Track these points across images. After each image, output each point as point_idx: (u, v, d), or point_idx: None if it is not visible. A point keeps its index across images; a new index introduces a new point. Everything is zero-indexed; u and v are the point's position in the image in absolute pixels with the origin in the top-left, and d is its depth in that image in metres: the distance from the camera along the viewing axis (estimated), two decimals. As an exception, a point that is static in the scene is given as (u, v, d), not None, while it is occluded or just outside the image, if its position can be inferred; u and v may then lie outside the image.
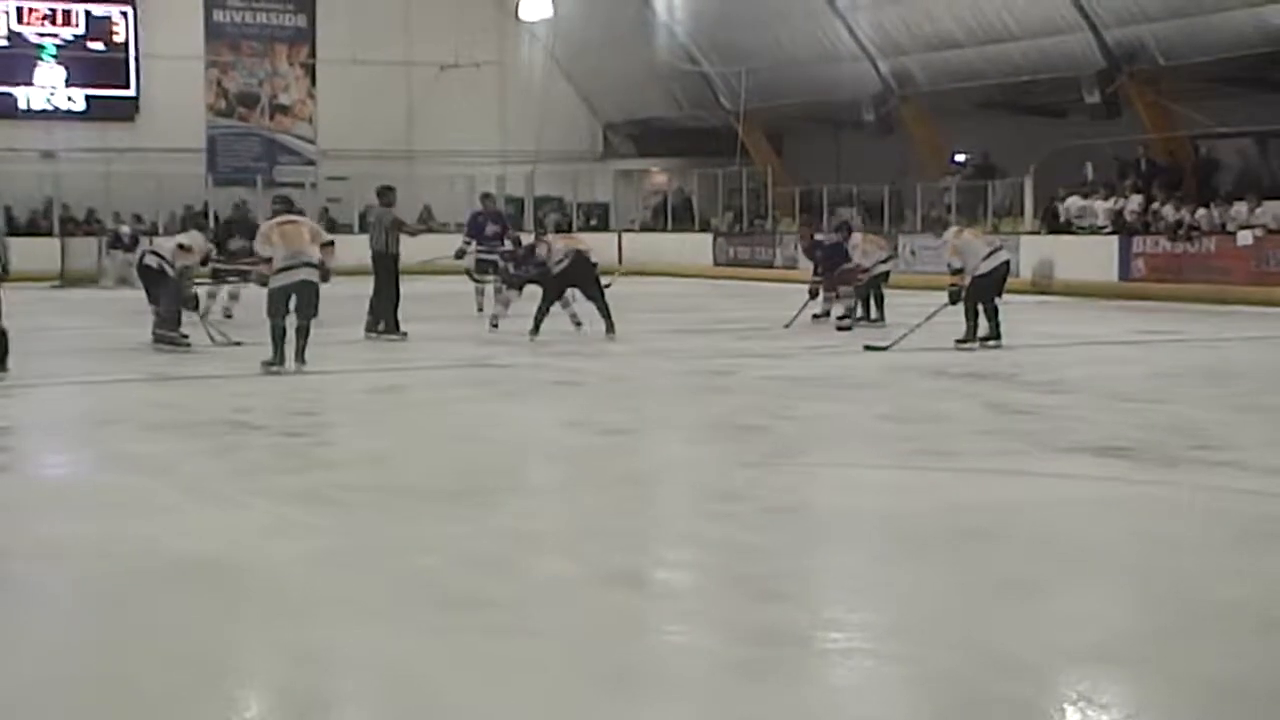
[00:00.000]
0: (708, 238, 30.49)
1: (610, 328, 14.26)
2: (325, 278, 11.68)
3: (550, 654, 4.40)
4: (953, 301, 13.23)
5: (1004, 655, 4.30)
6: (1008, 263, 13.96)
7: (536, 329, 14.01)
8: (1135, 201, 21.94)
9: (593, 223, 32.66)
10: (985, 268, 13.32)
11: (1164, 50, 21.86)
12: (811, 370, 12.07)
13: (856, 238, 16.28)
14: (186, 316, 13.73)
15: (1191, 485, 6.94)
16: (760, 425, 8.91)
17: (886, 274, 16.37)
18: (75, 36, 29.92)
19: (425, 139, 32.31)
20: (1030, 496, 6.77)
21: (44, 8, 29.71)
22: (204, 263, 14.79)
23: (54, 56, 29.77)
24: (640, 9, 29.85)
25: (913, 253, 23.72)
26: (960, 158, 26.72)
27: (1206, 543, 5.83)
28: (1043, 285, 21.43)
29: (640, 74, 31.32)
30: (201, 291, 14.51)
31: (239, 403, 10.06)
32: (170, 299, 13.45)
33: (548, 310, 14.22)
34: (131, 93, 30.48)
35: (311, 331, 11.65)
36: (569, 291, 14.70)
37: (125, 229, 25.47)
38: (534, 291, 14.63)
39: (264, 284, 11.76)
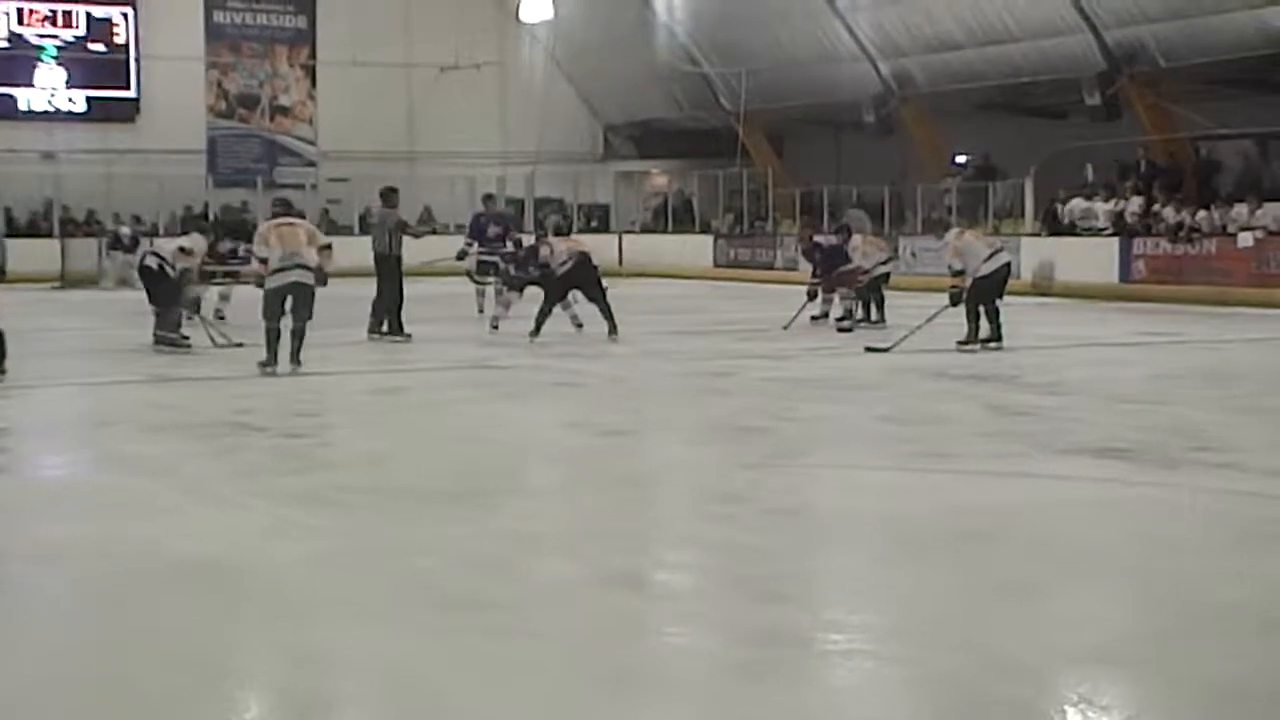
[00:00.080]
0: (708, 239, 30.49)
1: (613, 329, 14.26)
2: (323, 281, 11.68)
3: (550, 655, 4.40)
4: (954, 303, 13.22)
5: (1004, 657, 4.30)
6: (1009, 264, 13.97)
7: (537, 330, 14.01)
8: (1136, 203, 21.94)
9: (593, 224, 32.66)
10: (987, 269, 13.31)
11: (1164, 52, 21.86)
12: (812, 372, 12.07)
13: (856, 239, 16.27)
14: (187, 318, 13.73)
15: (1192, 487, 6.94)
16: (761, 427, 8.91)
17: (887, 276, 16.36)
18: (76, 38, 29.92)
19: (425, 140, 32.32)
20: (1031, 498, 6.76)
21: (45, 9, 29.72)
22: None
23: (54, 58, 29.77)
24: (641, 10, 29.86)
25: (913, 254, 23.72)
26: (961, 159, 26.72)
27: (1207, 544, 5.83)
28: (1043, 287, 21.42)
29: (641, 75, 31.32)
30: (197, 292, 14.48)
31: (239, 404, 10.06)
32: (171, 301, 13.46)
33: (549, 312, 14.22)
34: (132, 94, 30.48)
35: (307, 333, 11.66)
36: (570, 293, 14.72)
37: (125, 230, 25.48)
38: (534, 293, 14.63)
39: (261, 285, 11.76)
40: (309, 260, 11.58)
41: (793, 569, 5.45)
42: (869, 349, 13.17)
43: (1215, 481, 7.00)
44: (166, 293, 13.44)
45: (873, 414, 9.59)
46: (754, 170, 30.26)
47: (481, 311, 16.89)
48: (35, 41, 29.69)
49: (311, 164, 31.06)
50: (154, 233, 25.18)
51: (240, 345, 13.19)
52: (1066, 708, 3.96)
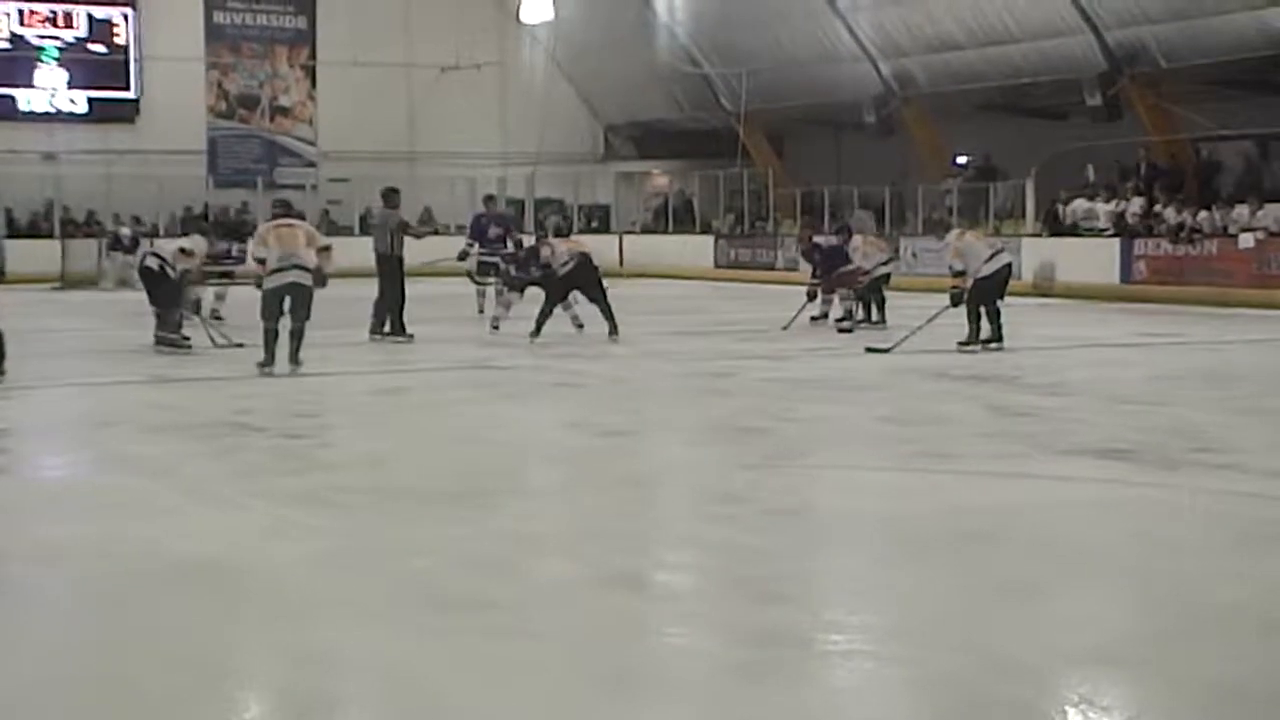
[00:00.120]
0: (709, 240, 30.49)
1: (613, 329, 14.26)
2: (322, 283, 11.69)
3: (550, 656, 4.40)
4: (954, 304, 13.22)
5: (1004, 657, 4.30)
6: (1010, 265, 13.97)
7: (538, 331, 14.01)
8: (1137, 204, 21.94)
9: (594, 225, 32.67)
10: (988, 270, 13.31)
11: (1165, 53, 21.87)
12: (813, 372, 12.07)
13: (857, 240, 16.26)
14: (188, 319, 13.73)
15: (1192, 488, 6.93)
16: (761, 427, 8.91)
17: (887, 276, 16.34)
18: (76, 39, 29.94)
19: (426, 141, 32.32)
20: (1031, 499, 6.76)
21: (45, 10, 29.74)
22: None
23: (55, 59, 29.78)
24: (641, 11, 29.86)
25: (914, 255, 23.72)
26: (962, 160, 26.73)
27: (1207, 545, 5.83)
28: (1044, 288, 21.42)
29: (641, 76, 31.33)
30: (198, 293, 14.48)
31: (240, 404, 10.06)
32: (171, 302, 13.46)
33: (550, 312, 14.22)
34: (132, 95, 30.49)
35: (306, 333, 11.66)
36: (571, 293, 14.72)
37: (126, 231, 25.47)
38: (535, 294, 14.63)
39: (260, 286, 11.77)
40: (306, 261, 11.60)
41: (793, 569, 5.45)
42: (869, 349, 13.17)
43: (1216, 482, 6.99)
44: (167, 294, 13.44)
45: (873, 414, 9.59)
46: (754, 171, 30.26)
47: (482, 312, 16.89)
48: (36, 42, 29.71)
49: (312, 164, 31.08)
50: (154, 233, 25.18)
51: (240, 346, 13.19)
52: (1067, 708, 3.95)
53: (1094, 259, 21.69)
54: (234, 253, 15.77)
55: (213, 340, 13.64)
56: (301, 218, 13.06)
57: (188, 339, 13.53)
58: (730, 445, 8.37)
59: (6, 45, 29.49)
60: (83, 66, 29.84)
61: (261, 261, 11.76)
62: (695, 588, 5.37)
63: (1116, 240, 21.68)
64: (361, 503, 6.67)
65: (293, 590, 5.20)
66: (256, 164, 30.57)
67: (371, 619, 4.76)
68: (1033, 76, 23.74)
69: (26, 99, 29.67)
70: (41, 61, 29.67)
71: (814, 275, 16.17)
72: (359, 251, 15.75)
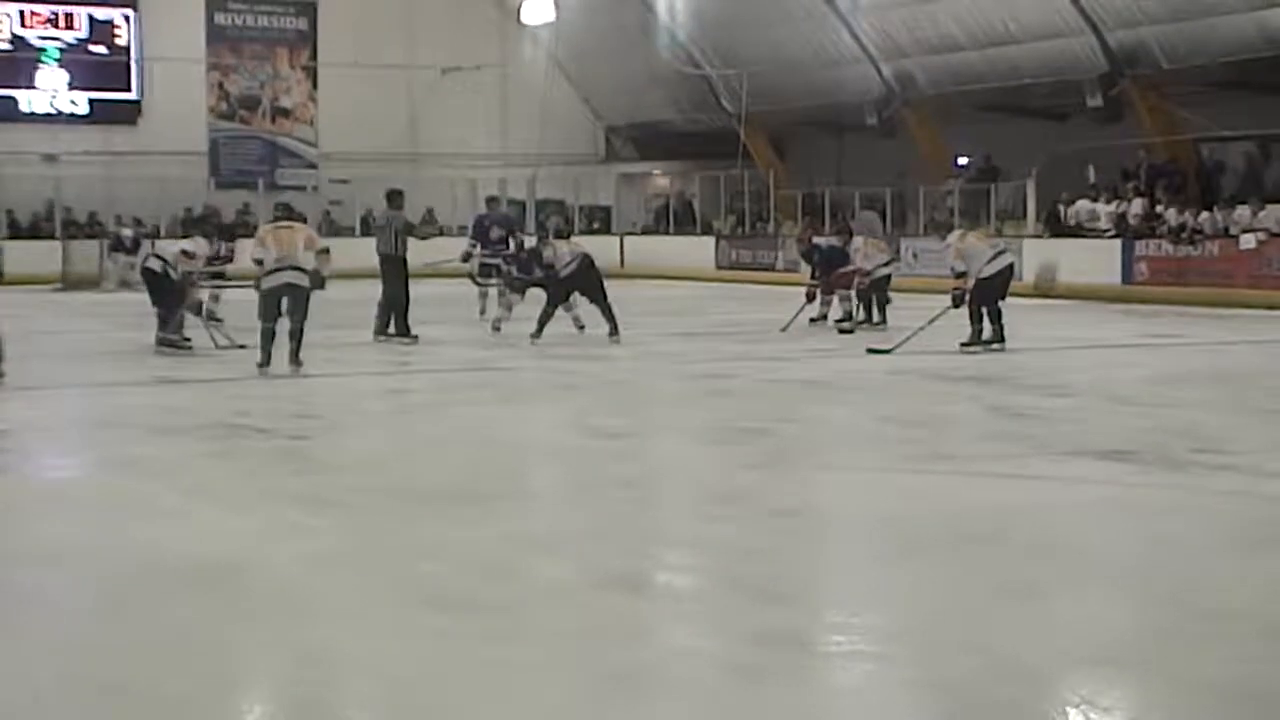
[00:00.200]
0: (710, 241, 30.48)
1: (614, 330, 14.26)
2: (320, 284, 11.72)
3: (551, 656, 4.40)
4: (956, 305, 13.22)
5: (1006, 658, 4.30)
6: (1011, 265, 13.95)
7: (539, 332, 14.01)
8: (1138, 205, 21.94)
9: (595, 226, 32.65)
10: (989, 271, 13.30)
11: (1166, 53, 21.86)
12: (813, 373, 12.07)
13: (858, 240, 16.25)
14: (189, 320, 13.73)
15: (1194, 489, 6.94)
16: (762, 428, 8.91)
17: (888, 277, 16.32)
18: (78, 40, 29.95)
19: (427, 142, 32.32)
20: (1032, 500, 6.75)
21: (46, 11, 29.74)
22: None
23: (56, 60, 29.79)
24: (642, 12, 29.87)
25: (915, 256, 23.70)
26: (963, 161, 26.72)
27: (1209, 546, 5.82)
28: (1045, 288, 21.40)
29: (642, 77, 31.34)
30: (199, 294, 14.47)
31: (241, 405, 10.07)
32: (173, 303, 13.46)
33: (552, 314, 14.22)
34: (133, 96, 30.50)
35: (306, 334, 11.67)
36: (572, 295, 14.72)
37: (127, 232, 25.46)
38: (536, 295, 14.63)
39: (258, 287, 11.78)
40: (303, 263, 11.64)
41: (793, 570, 5.45)
42: (871, 350, 13.16)
43: (1217, 483, 6.99)
44: (169, 295, 13.44)
45: (874, 415, 9.58)
46: (755, 172, 30.25)
47: (483, 314, 16.87)
48: (37, 44, 29.71)
49: (313, 166, 31.10)
50: (155, 235, 25.15)
51: (242, 347, 13.18)
52: (1068, 709, 3.96)
53: (1095, 260, 21.68)
54: (223, 252, 15.74)
55: (214, 341, 13.64)
56: (303, 220, 13.08)
57: (189, 340, 13.53)
58: (731, 446, 8.37)
59: (8, 46, 29.50)
60: (84, 68, 29.85)
61: (259, 262, 11.79)
62: (695, 588, 5.37)
63: (1118, 241, 21.68)
64: (362, 503, 6.67)
65: (293, 590, 5.20)
66: (257, 165, 30.59)
67: (372, 619, 4.76)
68: (1034, 77, 23.74)
69: (28, 100, 29.69)
70: (43, 63, 29.68)
71: (813, 276, 16.16)
72: (361, 253, 15.75)
